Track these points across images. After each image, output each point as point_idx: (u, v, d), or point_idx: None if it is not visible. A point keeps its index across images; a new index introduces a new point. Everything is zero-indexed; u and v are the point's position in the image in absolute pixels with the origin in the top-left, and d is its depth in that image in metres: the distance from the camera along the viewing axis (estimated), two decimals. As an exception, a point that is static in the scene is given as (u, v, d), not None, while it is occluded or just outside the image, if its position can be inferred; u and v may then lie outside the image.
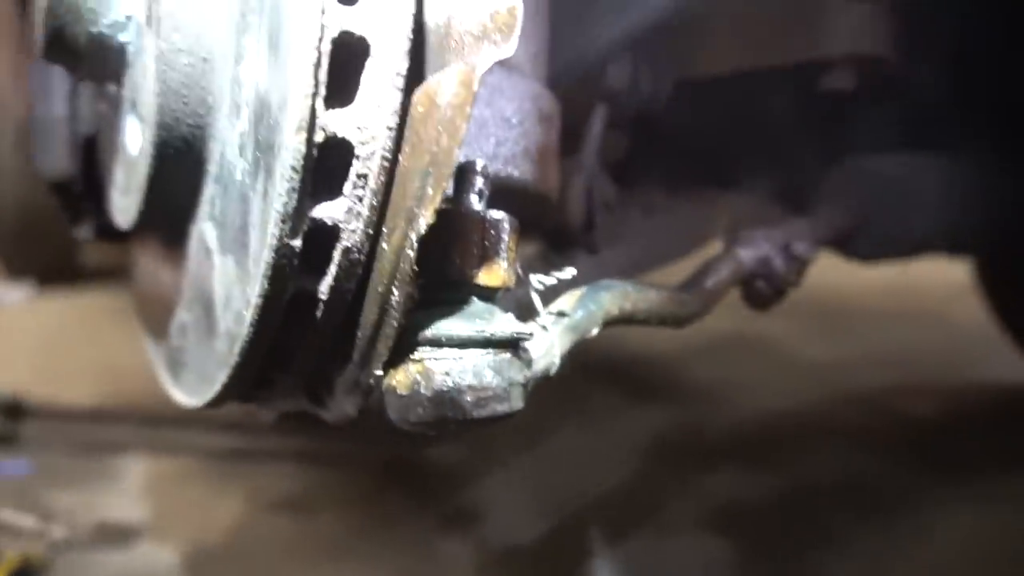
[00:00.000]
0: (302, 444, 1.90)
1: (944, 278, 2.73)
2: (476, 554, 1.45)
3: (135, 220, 0.53)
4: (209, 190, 0.47)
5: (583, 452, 1.90)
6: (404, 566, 1.44)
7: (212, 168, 0.46)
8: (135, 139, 0.52)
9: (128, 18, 0.50)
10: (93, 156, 0.71)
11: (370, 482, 1.78)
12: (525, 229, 0.48)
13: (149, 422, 2.02)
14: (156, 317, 0.65)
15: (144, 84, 0.47)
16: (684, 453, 1.91)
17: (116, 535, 1.52)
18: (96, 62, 0.51)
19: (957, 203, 1.07)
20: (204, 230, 0.48)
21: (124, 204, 0.55)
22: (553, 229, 0.87)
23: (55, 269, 3.51)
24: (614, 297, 0.57)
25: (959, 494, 1.67)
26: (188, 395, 0.56)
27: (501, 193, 0.52)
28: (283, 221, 0.37)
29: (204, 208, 0.48)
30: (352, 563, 1.45)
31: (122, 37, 0.50)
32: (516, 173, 0.56)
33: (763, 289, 0.74)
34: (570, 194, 0.86)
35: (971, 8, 0.92)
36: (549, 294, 0.55)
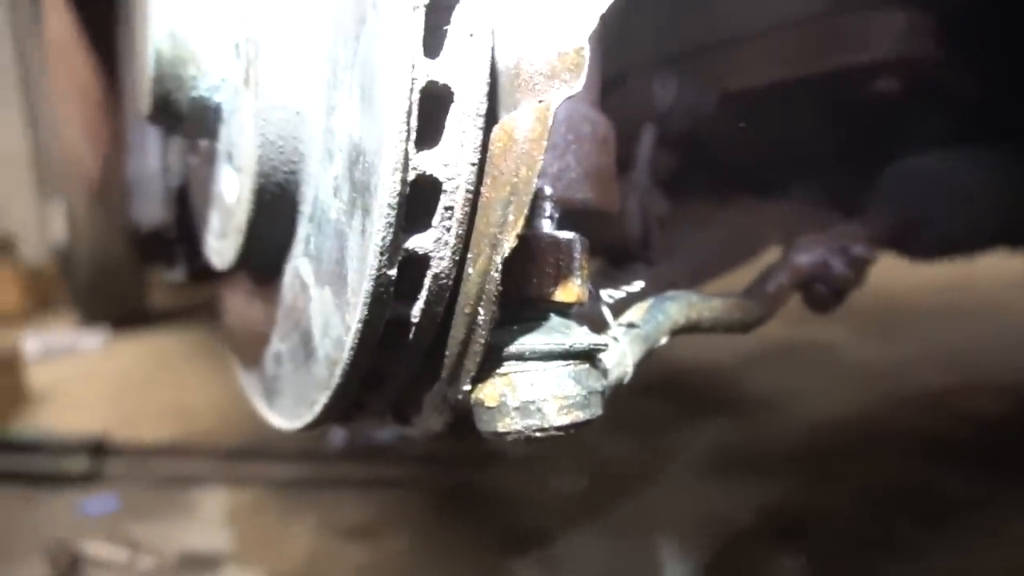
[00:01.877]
0: (368, 471, 1.95)
1: (999, 273, 2.68)
2: (542, 571, 1.47)
3: (233, 261, 0.58)
4: (303, 229, 0.52)
5: (642, 466, 1.90)
6: (472, 584, 1.47)
7: (305, 209, 0.51)
8: (231, 188, 0.57)
9: (223, 80, 0.55)
10: (184, 205, 0.77)
11: (436, 506, 1.82)
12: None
13: (224, 456, 2.10)
14: (247, 350, 0.70)
15: (242, 138, 0.52)
16: (745, 465, 1.90)
17: (200, 564, 1.59)
18: (195, 121, 0.57)
19: (1012, 197, 1.07)
20: (299, 266, 0.53)
21: (221, 247, 0.60)
22: (611, 245, 0.90)
23: (127, 315, 3.69)
24: (680, 307, 0.60)
25: (1025, 494, 1.63)
26: (286, 419, 0.60)
27: (567, 214, 0.56)
28: (382, 253, 0.41)
29: (299, 247, 0.53)
30: (423, 582, 1.49)
31: (218, 98, 0.56)
32: (579, 195, 0.60)
33: (823, 292, 0.76)
34: (626, 211, 0.90)
35: (1011, 8, 0.93)
36: (618, 307, 0.59)
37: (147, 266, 3.75)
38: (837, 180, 1.11)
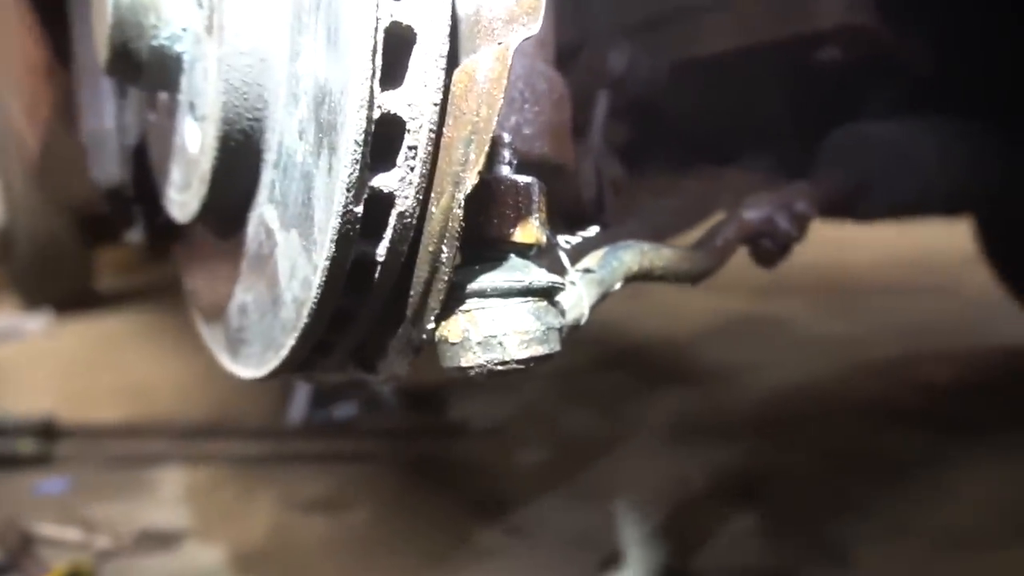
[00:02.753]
0: (328, 446, 1.96)
1: (950, 249, 2.78)
2: (507, 538, 1.50)
3: (196, 212, 0.59)
4: (268, 176, 0.53)
5: (605, 434, 1.95)
6: (438, 552, 1.50)
7: (270, 156, 0.52)
8: (194, 138, 0.58)
9: (184, 30, 0.56)
10: (141, 164, 0.77)
11: (398, 479, 1.84)
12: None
13: (178, 435, 2.09)
14: (210, 305, 0.71)
15: (205, 86, 0.53)
16: (704, 433, 1.95)
17: (159, 541, 1.58)
18: (155, 71, 0.57)
19: (951, 165, 1.12)
20: (264, 212, 0.54)
21: (184, 199, 0.61)
22: (567, 207, 0.93)
23: (70, 297, 3.60)
24: (633, 255, 0.62)
25: (976, 454, 1.72)
26: (252, 368, 0.61)
27: (524, 165, 0.58)
28: (348, 189, 0.43)
29: (263, 193, 0.54)
30: (387, 553, 1.51)
31: (178, 47, 0.56)
32: (536, 148, 0.62)
33: (769, 246, 0.79)
34: (581, 173, 0.92)
35: None
36: (574, 255, 0.61)
37: (99, 237, 3.66)
38: (789, 147, 1.15)
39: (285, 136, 0.50)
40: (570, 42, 0.99)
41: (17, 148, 2.00)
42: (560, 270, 0.59)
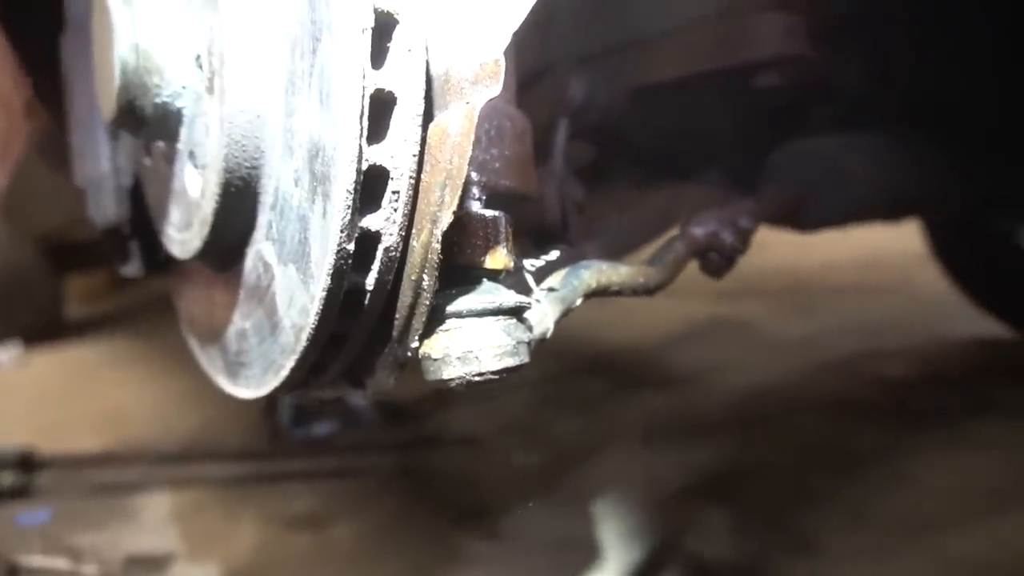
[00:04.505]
0: (309, 464, 2.00)
1: (903, 250, 2.90)
2: (490, 545, 1.56)
3: (198, 250, 0.65)
4: (264, 217, 0.60)
5: (581, 439, 2.02)
6: (423, 562, 1.54)
7: (266, 199, 0.59)
8: (194, 184, 0.64)
9: (184, 88, 0.62)
10: (137, 204, 0.83)
11: (380, 492, 1.88)
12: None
13: (158, 460, 2.11)
14: (208, 331, 0.77)
15: (206, 139, 0.60)
16: (675, 432, 2.03)
17: (146, 566, 1.61)
18: (158, 125, 0.64)
19: (885, 175, 1.21)
20: (262, 249, 0.61)
21: (185, 238, 0.68)
22: (534, 229, 1.00)
23: (39, 328, 3.58)
24: (592, 273, 0.70)
25: (932, 445, 1.81)
26: (251, 389, 0.68)
27: (492, 198, 0.65)
28: (342, 231, 0.50)
29: (260, 232, 0.61)
30: (373, 566, 1.55)
31: (179, 103, 0.63)
32: (503, 181, 0.69)
33: (716, 259, 0.87)
34: (545, 197, 0.99)
35: (884, 11, 1.07)
36: (539, 276, 0.68)
37: (67, 266, 3.64)
38: (738, 164, 1.24)
39: (281, 182, 0.56)
40: (531, 70, 1.07)
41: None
42: (526, 290, 0.66)
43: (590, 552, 1.50)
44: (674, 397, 2.26)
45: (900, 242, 2.68)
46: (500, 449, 2.02)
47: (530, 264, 0.64)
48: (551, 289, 0.66)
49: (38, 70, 1.13)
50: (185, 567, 1.62)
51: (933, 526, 1.45)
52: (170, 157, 0.68)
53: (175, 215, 0.70)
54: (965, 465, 1.68)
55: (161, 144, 0.70)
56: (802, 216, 1.09)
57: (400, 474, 1.94)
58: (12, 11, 1.01)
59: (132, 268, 0.87)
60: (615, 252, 1.09)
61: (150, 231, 0.81)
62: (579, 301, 0.68)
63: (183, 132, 0.64)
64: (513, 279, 0.62)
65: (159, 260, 0.83)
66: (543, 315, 0.63)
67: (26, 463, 2.03)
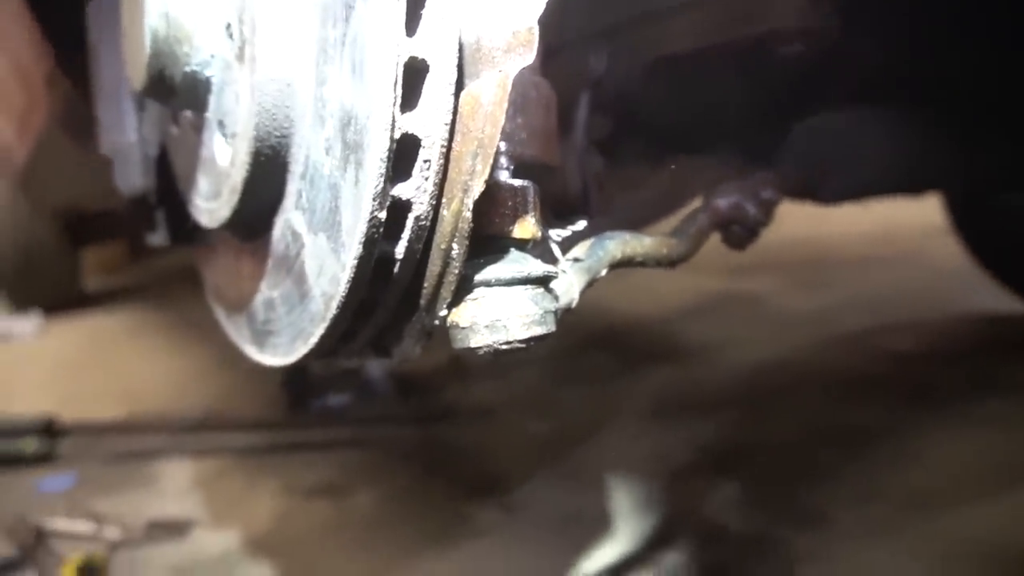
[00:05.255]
0: (326, 434, 2.03)
1: (918, 221, 2.88)
2: (503, 516, 1.58)
3: (227, 219, 0.66)
4: (294, 186, 0.60)
5: (592, 413, 2.04)
6: (437, 532, 1.57)
7: (296, 168, 0.60)
8: (224, 153, 0.65)
9: (213, 56, 0.63)
10: (163, 173, 0.84)
11: (397, 463, 1.91)
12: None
13: (178, 429, 2.14)
14: (234, 300, 0.79)
15: (236, 108, 0.60)
16: (685, 406, 2.05)
17: (167, 531, 1.64)
18: (187, 93, 0.64)
19: (903, 149, 1.21)
20: (291, 218, 0.61)
21: (213, 207, 0.68)
22: (555, 201, 1.01)
23: (59, 298, 3.63)
24: (616, 244, 0.70)
25: (942, 421, 1.81)
26: (279, 356, 0.69)
27: (518, 168, 0.66)
28: (374, 199, 0.50)
29: (289, 200, 0.62)
30: (389, 535, 1.58)
31: (208, 72, 0.63)
32: (528, 151, 0.69)
33: (738, 232, 0.88)
34: (567, 169, 1.00)
35: None
36: (564, 246, 0.69)
37: (86, 238, 3.67)
38: (756, 138, 1.24)
39: (312, 151, 0.57)
40: (550, 45, 1.06)
41: (2, 159, 2.02)
42: (552, 259, 0.67)
43: (599, 525, 1.52)
44: (684, 371, 2.27)
45: (915, 215, 2.67)
46: (513, 422, 2.04)
47: (556, 234, 0.65)
48: (576, 259, 0.67)
49: (61, 39, 1.13)
50: (206, 533, 1.65)
51: (941, 503, 1.47)
52: (198, 126, 0.69)
53: (203, 184, 0.70)
54: (975, 442, 1.69)
55: (189, 113, 0.71)
56: (821, 190, 1.09)
57: (415, 445, 1.97)
58: None
59: (158, 237, 0.88)
60: (633, 225, 1.09)
61: (176, 200, 0.82)
62: (604, 271, 0.69)
63: (212, 101, 0.65)
64: (539, 249, 0.63)
65: (185, 229, 0.84)
66: (569, 285, 0.64)
67: (49, 430, 2.07)
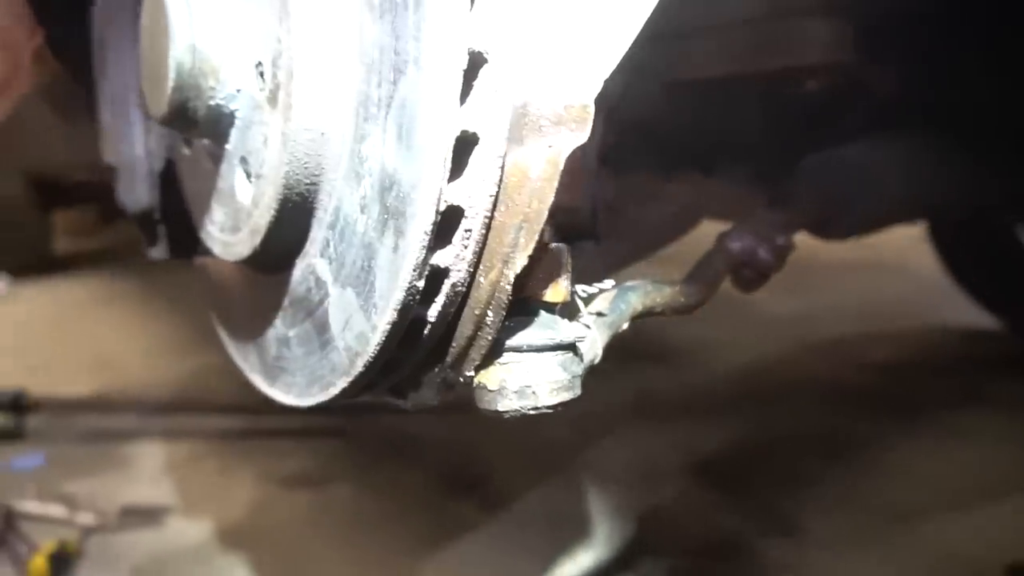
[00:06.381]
0: (305, 422, 2.00)
1: (899, 231, 2.91)
2: (482, 513, 1.59)
3: (246, 256, 0.64)
4: (320, 233, 0.59)
5: (576, 412, 2.04)
6: (416, 526, 1.57)
7: (324, 216, 0.58)
8: (245, 190, 0.63)
9: (239, 91, 0.60)
10: (168, 189, 0.81)
11: (377, 454, 1.89)
12: None
13: (154, 409, 2.10)
14: (242, 327, 0.77)
15: (264, 149, 0.58)
16: (669, 408, 2.06)
17: (142, 518, 1.61)
18: (209, 126, 0.62)
19: (912, 180, 1.21)
20: (315, 265, 0.60)
21: (230, 241, 0.66)
22: (563, 225, 0.99)
23: (28, 261, 3.54)
24: (638, 296, 0.70)
25: (921, 433, 1.85)
26: (294, 397, 0.68)
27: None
28: (414, 269, 0.49)
29: (314, 247, 0.60)
30: (368, 528, 1.58)
31: (232, 106, 0.61)
32: (558, 198, 0.68)
33: (750, 275, 0.87)
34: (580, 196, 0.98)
35: (919, 17, 1.05)
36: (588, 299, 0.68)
37: (56, 201, 3.58)
38: (765, 163, 1.23)
39: (344, 204, 0.55)
40: None
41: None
42: (575, 312, 0.66)
43: (579, 526, 1.53)
44: (669, 373, 2.29)
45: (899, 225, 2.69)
46: (498, 419, 2.03)
47: (581, 290, 0.64)
48: (600, 314, 0.66)
49: (55, 23, 1.09)
50: (180, 521, 1.62)
51: (919, 515, 1.51)
52: (216, 156, 0.66)
53: (218, 215, 0.68)
54: (951, 455, 1.73)
55: (207, 141, 0.68)
56: (832, 226, 1.09)
57: (395, 437, 1.95)
58: None
59: (159, 251, 0.85)
60: (640, 250, 1.09)
61: (179, 216, 0.80)
62: (626, 325, 0.68)
63: (234, 135, 0.63)
64: (566, 306, 0.62)
65: (187, 244, 0.82)
66: (593, 342, 0.63)
67: (17, 405, 2.02)
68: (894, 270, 3.09)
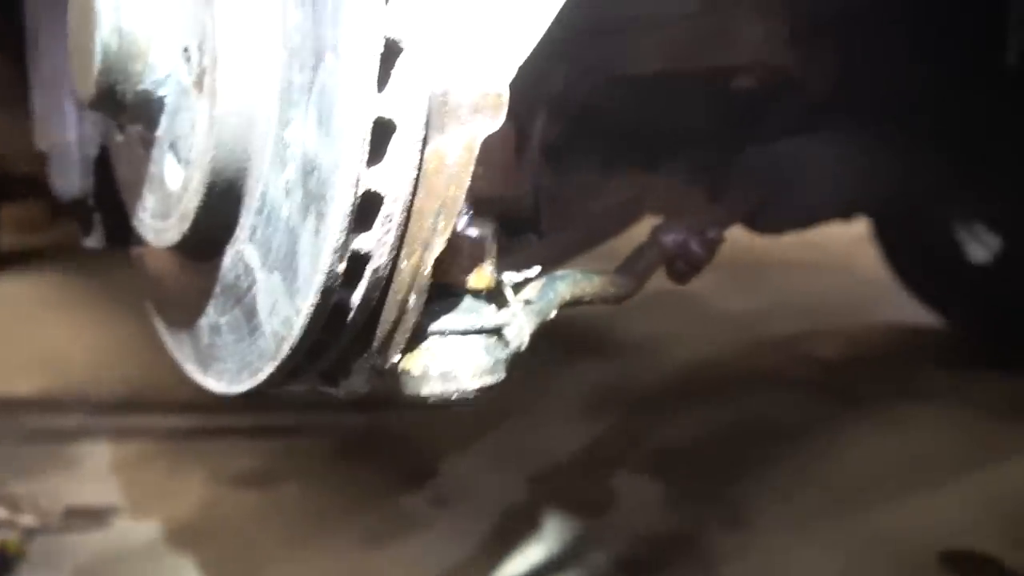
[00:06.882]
0: (255, 420, 1.98)
1: (845, 231, 2.98)
2: (433, 509, 1.59)
3: (175, 242, 0.64)
4: (248, 219, 0.59)
5: (529, 407, 2.06)
6: (368, 524, 1.57)
7: (251, 202, 0.58)
8: (175, 176, 0.63)
9: (168, 76, 0.60)
10: (101, 176, 0.80)
11: (327, 451, 1.88)
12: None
13: (100, 408, 2.06)
14: (176, 316, 0.76)
15: (192, 135, 0.58)
16: (619, 403, 2.09)
17: (87, 518, 1.57)
18: (137, 111, 0.62)
19: (846, 178, 1.25)
20: (244, 251, 0.60)
21: (160, 227, 0.66)
22: (507, 219, 1.00)
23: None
24: (567, 285, 0.71)
25: (862, 424, 1.91)
26: (226, 384, 0.68)
27: (478, 205, 0.66)
28: (334, 252, 0.50)
29: (243, 232, 0.60)
30: (319, 526, 1.57)
31: (161, 92, 0.61)
32: (487, 187, 0.69)
33: (682, 267, 0.90)
34: (519, 185, 0.99)
35: (853, 19, 1.09)
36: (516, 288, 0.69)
37: (2, 196, 3.48)
38: (704, 155, 1.26)
39: (270, 189, 0.56)
40: None
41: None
42: (504, 301, 0.67)
43: (529, 521, 1.55)
44: (616, 367, 2.32)
45: (843, 224, 2.77)
46: (447, 413, 2.04)
47: (509, 278, 0.65)
48: (528, 301, 0.67)
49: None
50: (127, 522, 1.59)
51: (858, 503, 1.56)
52: (147, 141, 0.66)
53: (150, 201, 0.68)
54: (889, 446, 1.79)
55: (138, 126, 0.68)
56: (762, 220, 1.12)
57: (345, 433, 1.95)
58: None
59: (94, 240, 0.85)
60: (582, 243, 1.11)
61: (114, 203, 0.79)
62: (554, 313, 0.69)
63: (164, 121, 0.63)
64: (493, 294, 0.63)
65: (122, 233, 0.81)
66: (520, 328, 0.64)
67: (-40, 404, 1.96)
68: (839, 269, 3.17)
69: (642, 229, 1.13)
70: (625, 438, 1.90)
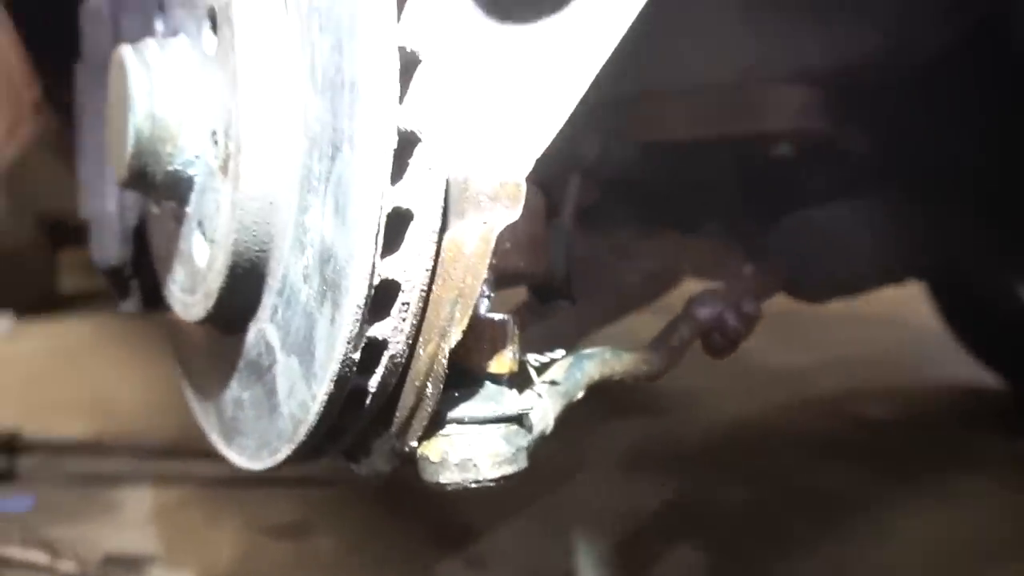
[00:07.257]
0: (294, 470, 1.97)
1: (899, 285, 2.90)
2: (469, 570, 1.56)
3: (201, 318, 0.65)
4: (270, 299, 0.59)
5: (568, 466, 2.02)
6: (401, 582, 1.54)
7: (273, 283, 0.59)
8: (202, 253, 0.64)
9: (197, 157, 0.62)
10: (139, 244, 0.82)
11: (365, 505, 1.87)
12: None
13: (143, 453, 2.09)
14: (203, 385, 0.77)
15: (217, 218, 0.59)
16: (659, 461, 2.04)
17: (125, 566, 1.58)
18: (167, 190, 0.63)
19: (890, 243, 1.21)
20: (265, 329, 0.60)
21: (189, 301, 0.67)
22: (537, 286, 0.99)
23: (33, 299, 3.57)
24: (595, 364, 0.69)
25: (916, 495, 1.81)
26: (247, 459, 0.68)
27: (502, 279, 0.65)
28: (349, 342, 0.49)
29: (265, 312, 0.60)
30: (351, 582, 1.55)
31: (190, 171, 0.62)
32: (512, 263, 0.69)
33: (718, 341, 0.87)
34: (552, 255, 0.99)
35: (891, 81, 1.07)
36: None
37: (64, 240, 3.63)
38: (741, 220, 1.24)
39: (290, 272, 0.56)
40: None
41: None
42: (528, 381, 0.66)
43: (569, 576, 1.51)
44: (658, 424, 2.26)
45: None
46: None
47: (534, 359, 0.64)
48: (553, 382, 0.66)
49: (52, 78, 1.13)
50: (163, 570, 1.60)
51: (908, 581, 1.47)
52: (179, 217, 0.67)
53: (180, 274, 0.69)
54: (947, 520, 1.69)
55: (172, 204, 0.69)
56: (803, 289, 1.09)
57: (383, 487, 1.93)
58: (31, 24, 1.01)
59: (130, 305, 0.86)
60: (615, 311, 1.09)
61: (151, 269, 0.81)
62: (580, 394, 0.68)
63: (193, 198, 0.64)
64: (516, 376, 0.62)
65: (159, 297, 0.83)
66: (544, 413, 0.63)
67: (10, 447, 2.01)
68: (889, 323, 3.07)
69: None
70: (664, 499, 1.85)
